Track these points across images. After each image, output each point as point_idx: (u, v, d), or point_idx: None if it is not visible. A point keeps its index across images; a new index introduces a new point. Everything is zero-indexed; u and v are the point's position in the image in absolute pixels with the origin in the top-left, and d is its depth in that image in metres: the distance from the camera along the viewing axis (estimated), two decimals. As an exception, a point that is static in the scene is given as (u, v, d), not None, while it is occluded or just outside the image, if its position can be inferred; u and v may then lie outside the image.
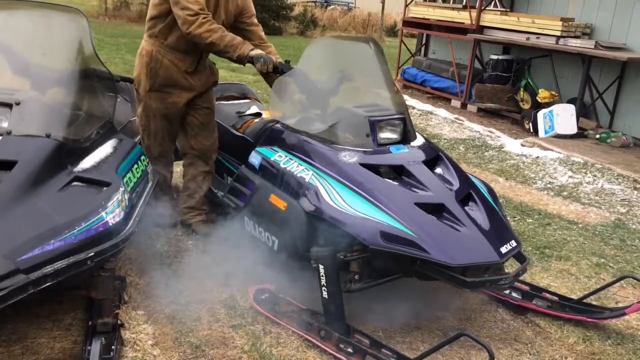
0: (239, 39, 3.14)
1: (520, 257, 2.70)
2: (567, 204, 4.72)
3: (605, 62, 6.73)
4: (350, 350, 2.42)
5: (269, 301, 2.79)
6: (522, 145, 6.20)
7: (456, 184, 2.79)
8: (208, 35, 3.08)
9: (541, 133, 6.65)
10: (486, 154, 6.03)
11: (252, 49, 3.11)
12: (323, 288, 2.52)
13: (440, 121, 7.28)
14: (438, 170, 2.90)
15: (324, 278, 2.51)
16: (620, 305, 2.98)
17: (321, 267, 2.51)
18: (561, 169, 5.47)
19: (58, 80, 2.71)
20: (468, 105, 8.09)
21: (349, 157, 2.77)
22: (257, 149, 3.06)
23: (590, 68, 6.69)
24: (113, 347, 2.36)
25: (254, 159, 3.04)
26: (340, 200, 2.58)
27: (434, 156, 2.96)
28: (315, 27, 22.05)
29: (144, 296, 2.80)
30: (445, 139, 6.53)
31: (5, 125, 2.47)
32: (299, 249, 2.67)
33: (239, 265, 2.88)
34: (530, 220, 4.29)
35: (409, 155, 2.86)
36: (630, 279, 2.92)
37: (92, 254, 2.26)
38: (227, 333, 2.61)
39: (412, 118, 7.19)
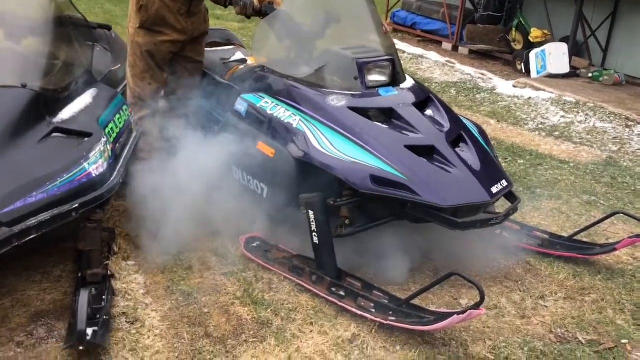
0: None
1: (511, 196, 2.68)
2: (559, 144, 4.69)
3: (599, -1, 6.59)
4: (342, 293, 2.43)
5: (259, 249, 2.78)
6: (514, 86, 6.12)
7: (447, 126, 2.74)
8: None
9: (533, 73, 6.57)
10: (478, 96, 5.96)
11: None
12: (314, 234, 2.51)
13: (431, 65, 7.17)
14: (428, 112, 2.85)
15: (314, 224, 2.49)
16: (610, 241, 2.99)
17: (311, 213, 2.48)
18: (553, 109, 5.42)
19: (32, 29, 2.62)
20: (459, 48, 7.95)
21: (337, 101, 2.71)
22: (242, 95, 2.99)
23: (584, 5, 6.55)
24: (104, 297, 2.36)
25: (240, 106, 2.97)
26: (328, 145, 2.54)
27: (424, 98, 2.90)
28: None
29: (134, 247, 2.78)
30: (436, 82, 6.43)
31: (-21, 75, 2.39)
32: (288, 195, 2.64)
33: (230, 214, 2.85)
34: (522, 162, 4.27)
35: (399, 97, 2.80)
36: (621, 215, 2.91)
37: (77, 205, 2.23)
38: (219, 280, 2.61)
39: (402, 62, 7.12)
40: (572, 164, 4.23)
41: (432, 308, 2.38)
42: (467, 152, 2.65)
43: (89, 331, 2.12)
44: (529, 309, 2.51)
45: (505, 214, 2.55)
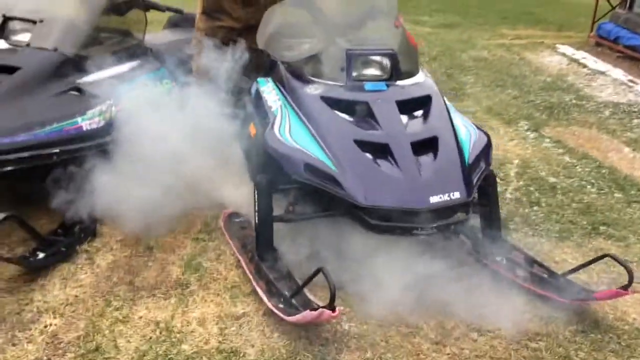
0: None
1: (466, 209, 2.39)
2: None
3: None
4: (260, 274, 2.45)
5: (237, 225, 2.91)
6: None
7: (421, 127, 2.56)
8: None
9: None
10: (634, 121, 5.12)
11: None
12: (255, 214, 2.57)
13: (606, 82, 6.31)
14: (417, 112, 2.67)
15: (256, 204, 2.55)
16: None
17: (256, 193, 2.55)
18: None
19: (84, 3, 3.12)
20: (662, 68, 6.82)
21: (314, 90, 2.71)
22: (257, 79, 3.14)
23: None
24: (83, 235, 2.76)
25: (253, 87, 3.13)
26: (286, 131, 2.57)
27: (419, 96, 2.72)
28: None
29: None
30: (594, 101, 5.67)
31: (26, 38, 2.96)
32: (253, 175, 2.73)
33: (222, 186, 3.03)
34: (619, 195, 3.62)
35: (383, 93, 2.68)
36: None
37: (57, 150, 2.65)
38: (182, 243, 2.82)
39: (575, 77, 6.42)
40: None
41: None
42: (428, 157, 2.43)
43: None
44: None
45: (437, 227, 2.29)
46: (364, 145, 2.44)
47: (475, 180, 2.47)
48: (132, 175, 2.77)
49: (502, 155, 4.23)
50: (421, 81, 2.85)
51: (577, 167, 4.07)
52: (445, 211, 2.32)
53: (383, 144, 2.43)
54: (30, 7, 3.07)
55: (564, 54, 7.70)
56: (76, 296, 2.39)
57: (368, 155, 2.41)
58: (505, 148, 4.39)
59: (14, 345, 2.10)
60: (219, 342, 2.17)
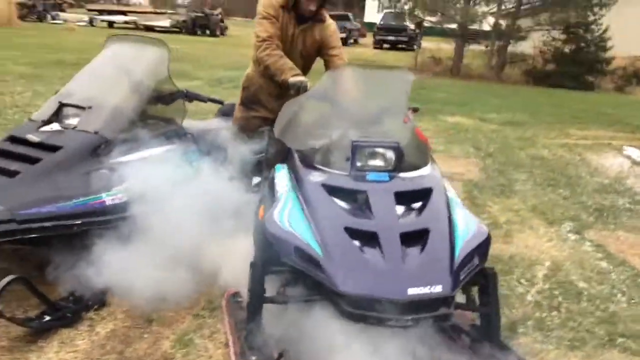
0: (289, 65, 3.47)
1: (448, 304, 2.35)
2: None
3: None
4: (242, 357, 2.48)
5: (239, 304, 2.98)
6: None
7: (415, 219, 2.59)
8: (266, 59, 3.53)
9: None
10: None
11: (293, 75, 3.41)
12: (248, 292, 2.63)
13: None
14: (415, 203, 2.71)
15: (249, 284, 2.63)
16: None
17: (250, 272, 2.63)
18: None
19: (127, 92, 3.46)
20: None
21: (318, 177, 2.82)
22: (277, 164, 3.30)
23: None
24: (91, 303, 2.92)
25: (271, 173, 3.28)
26: (285, 216, 2.66)
27: (420, 189, 2.77)
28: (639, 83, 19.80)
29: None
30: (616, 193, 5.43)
31: (75, 122, 3.30)
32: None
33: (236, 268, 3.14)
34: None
35: (385, 184, 2.75)
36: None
37: (79, 222, 2.89)
38: (183, 318, 2.92)
39: (634, 180, 6.21)
40: None
41: None
42: (416, 249, 2.44)
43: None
44: None
45: (412, 319, 2.26)
46: (353, 232, 2.48)
47: (463, 276, 2.44)
48: (146, 251, 2.95)
49: (534, 256, 4.11)
50: (426, 174, 2.90)
51: (612, 273, 3.88)
52: (423, 304, 2.30)
53: (372, 233, 2.48)
54: (84, 96, 3.43)
55: (628, 157, 7.48)
56: (68, 361, 2.52)
57: (356, 242, 2.45)
58: (541, 249, 4.26)
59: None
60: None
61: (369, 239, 2.46)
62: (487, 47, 20.40)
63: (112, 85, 3.51)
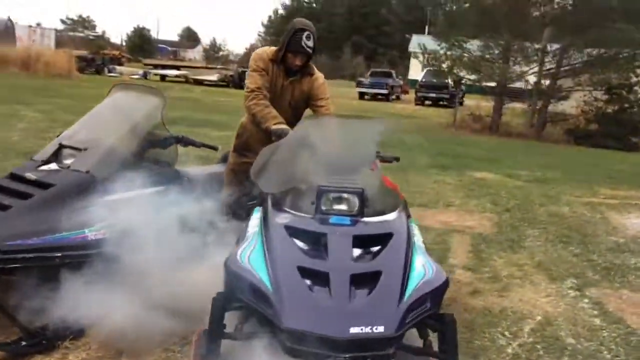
0: (272, 114, 3.66)
1: (390, 345, 2.36)
2: None
3: None
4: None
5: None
6: None
7: (369, 261, 2.65)
8: (253, 108, 3.75)
9: None
10: None
11: (276, 123, 3.58)
12: (208, 326, 2.71)
13: None
14: (374, 247, 2.77)
15: (209, 320, 2.71)
16: None
17: (210, 308, 2.72)
18: None
19: (122, 135, 3.69)
20: None
21: (283, 219, 2.92)
22: (256, 207, 3.42)
23: None
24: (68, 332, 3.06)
25: (250, 214, 3.39)
26: (246, 255, 2.76)
27: (380, 233, 2.83)
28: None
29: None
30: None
31: (70, 162, 3.53)
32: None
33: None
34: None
35: (345, 227, 2.82)
36: None
37: (60, 254, 3.06)
38: (152, 352, 3.01)
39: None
40: None
41: None
42: (365, 290, 2.49)
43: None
44: None
45: (351, 358, 2.28)
46: (306, 272, 2.56)
47: (410, 319, 2.46)
48: (125, 287, 3.09)
49: (527, 310, 4.05)
50: (391, 219, 2.96)
51: (604, 330, 3.77)
52: (365, 343, 2.33)
53: (324, 273, 2.54)
54: (83, 138, 3.68)
55: (652, 216, 7.27)
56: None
57: (307, 281, 2.52)
58: (535, 304, 4.19)
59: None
60: None
61: (321, 278, 2.53)
62: (528, 106, 20.31)
63: (109, 128, 3.75)
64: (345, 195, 2.94)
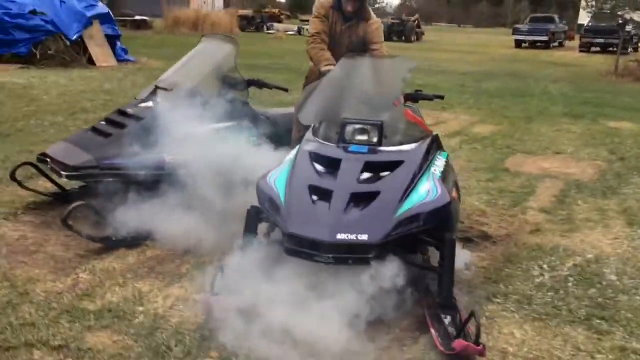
0: (325, 56, 4.08)
1: (374, 251, 2.72)
2: None
3: None
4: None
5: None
6: None
7: (372, 184, 3.02)
8: (311, 51, 4.27)
9: None
10: None
11: (326, 65, 3.97)
12: (243, 233, 3.25)
13: None
14: (383, 172, 3.10)
15: (244, 227, 3.25)
16: None
17: (246, 217, 3.25)
18: None
19: (201, 78, 4.34)
20: None
21: (310, 147, 3.36)
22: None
23: None
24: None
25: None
26: (273, 177, 3.23)
27: (391, 161, 3.15)
28: None
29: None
30: None
31: (159, 100, 4.24)
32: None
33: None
34: None
35: (361, 155, 3.18)
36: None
37: (143, 172, 3.81)
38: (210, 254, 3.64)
39: None
40: None
41: None
42: (361, 205, 2.87)
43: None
44: None
45: (334, 257, 2.68)
46: (315, 189, 2.99)
47: (397, 231, 2.80)
48: (193, 200, 3.76)
49: (581, 249, 4.05)
50: (405, 150, 3.26)
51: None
52: (348, 248, 2.73)
53: (330, 190, 2.96)
54: (172, 81, 4.40)
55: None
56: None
57: (313, 197, 2.96)
58: (596, 244, 4.14)
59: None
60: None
61: (325, 195, 2.96)
62: None
63: (192, 73, 4.43)
64: (365, 126, 3.28)
